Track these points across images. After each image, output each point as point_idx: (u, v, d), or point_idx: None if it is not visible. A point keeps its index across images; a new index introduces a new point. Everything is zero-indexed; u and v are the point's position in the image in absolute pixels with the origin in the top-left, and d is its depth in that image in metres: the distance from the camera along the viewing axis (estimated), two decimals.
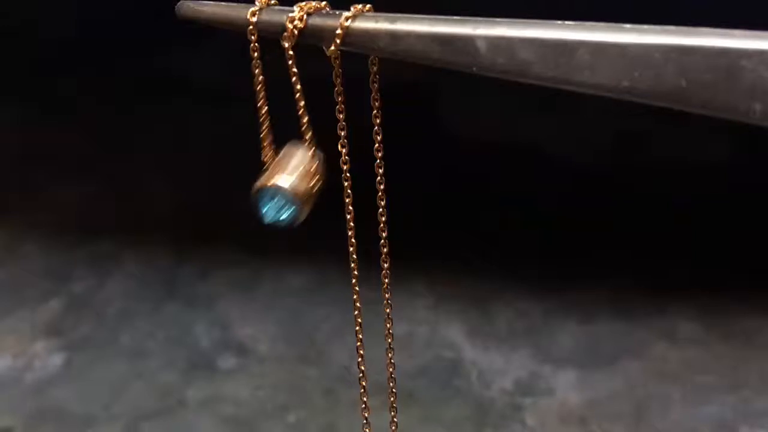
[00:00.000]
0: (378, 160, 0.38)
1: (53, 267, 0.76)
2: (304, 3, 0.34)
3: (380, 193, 0.39)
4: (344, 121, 0.36)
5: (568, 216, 0.80)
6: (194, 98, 1.05)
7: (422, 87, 0.99)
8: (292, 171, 0.36)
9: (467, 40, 0.32)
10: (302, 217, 0.35)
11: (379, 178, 0.38)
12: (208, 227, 0.81)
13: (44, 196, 0.86)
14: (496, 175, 0.88)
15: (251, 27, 0.35)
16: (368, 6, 0.34)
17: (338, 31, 0.33)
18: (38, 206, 0.85)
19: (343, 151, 0.37)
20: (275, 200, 0.35)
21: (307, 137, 0.36)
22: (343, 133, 0.36)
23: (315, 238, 0.64)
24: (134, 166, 0.91)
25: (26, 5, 1.06)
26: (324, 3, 0.35)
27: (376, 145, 0.38)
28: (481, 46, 0.32)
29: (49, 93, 1.05)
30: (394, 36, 0.33)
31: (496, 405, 0.60)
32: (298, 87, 0.35)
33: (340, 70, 0.35)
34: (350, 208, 0.38)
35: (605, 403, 0.60)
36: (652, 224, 0.78)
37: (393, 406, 0.45)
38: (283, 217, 0.35)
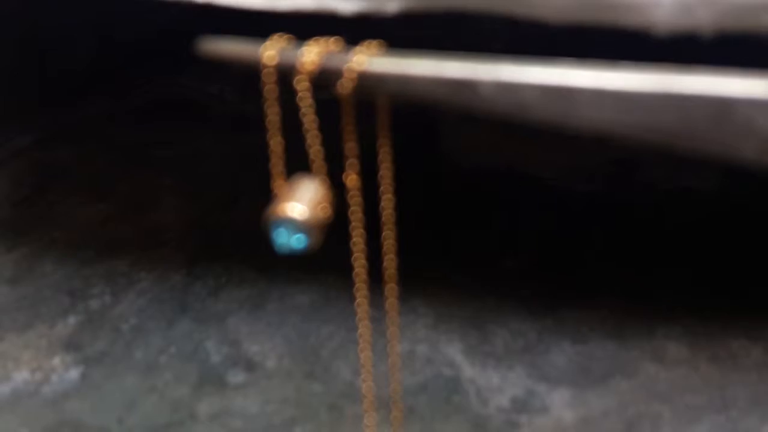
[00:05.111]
0: (382, 187, 0.39)
1: (70, 284, 0.77)
2: (317, 41, 0.36)
3: (383, 219, 0.40)
4: (354, 157, 0.38)
5: (561, 240, 0.82)
6: (208, 119, 1.06)
7: (423, 112, 1.01)
8: (303, 201, 0.37)
9: (472, 86, 0.34)
10: (315, 244, 0.37)
11: (382, 203, 0.40)
12: (219, 247, 0.82)
13: (61, 215, 0.87)
14: (493, 198, 0.89)
15: (266, 69, 0.36)
16: (378, 43, 0.36)
17: (349, 75, 0.35)
18: (55, 225, 0.86)
19: (350, 178, 0.38)
20: (288, 230, 0.37)
21: (319, 167, 0.38)
22: (349, 162, 0.38)
23: (321, 258, 0.66)
24: (149, 185, 0.93)
25: (44, 24, 1.07)
26: (337, 40, 0.36)
27: (381, 172, 0.39)
28: (485, 90, 0.34)
29: (65, 113, 1.06)
30: (403, 80, 0.34)
31: (493, 422, 0.61)
32: (311, 118, 0.36)
33: (350, 110, 0.37)
34: (356, 232, 0.39)
35: (598, 420, 0.61)
36: (643, 248, 0.80)
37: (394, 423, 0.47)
38: (296, 245, 0.37)
